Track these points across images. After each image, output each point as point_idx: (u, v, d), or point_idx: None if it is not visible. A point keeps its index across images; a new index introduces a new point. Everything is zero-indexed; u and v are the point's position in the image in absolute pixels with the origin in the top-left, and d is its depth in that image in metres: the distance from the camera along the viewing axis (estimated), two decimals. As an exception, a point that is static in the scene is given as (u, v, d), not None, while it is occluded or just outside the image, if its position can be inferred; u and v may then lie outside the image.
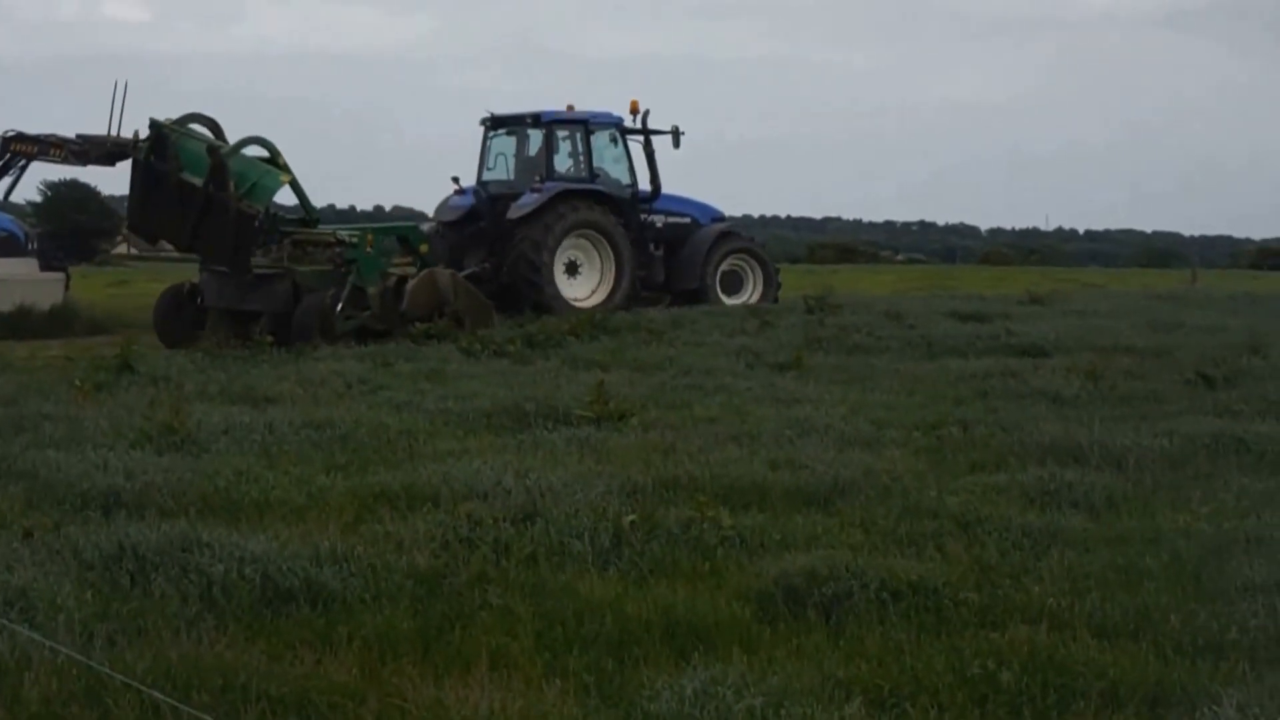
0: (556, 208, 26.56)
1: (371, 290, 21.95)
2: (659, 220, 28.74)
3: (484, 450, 11.56)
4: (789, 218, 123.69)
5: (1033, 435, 12.25)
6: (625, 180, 28.43)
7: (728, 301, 28.04)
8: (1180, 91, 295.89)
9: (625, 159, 28.58)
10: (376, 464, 11.13)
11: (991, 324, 22.84)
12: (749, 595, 7.68)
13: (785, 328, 22.12)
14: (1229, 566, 8.22)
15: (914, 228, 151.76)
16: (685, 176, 78.88)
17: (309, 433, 12.25)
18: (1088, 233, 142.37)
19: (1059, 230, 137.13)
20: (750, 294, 29.08)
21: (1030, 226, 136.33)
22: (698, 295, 28.07)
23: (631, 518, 8.82)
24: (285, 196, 23.30)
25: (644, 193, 28.56)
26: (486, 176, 28.55)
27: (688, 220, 29.20)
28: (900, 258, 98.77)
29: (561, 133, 28.05)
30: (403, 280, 22.43)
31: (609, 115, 28.50)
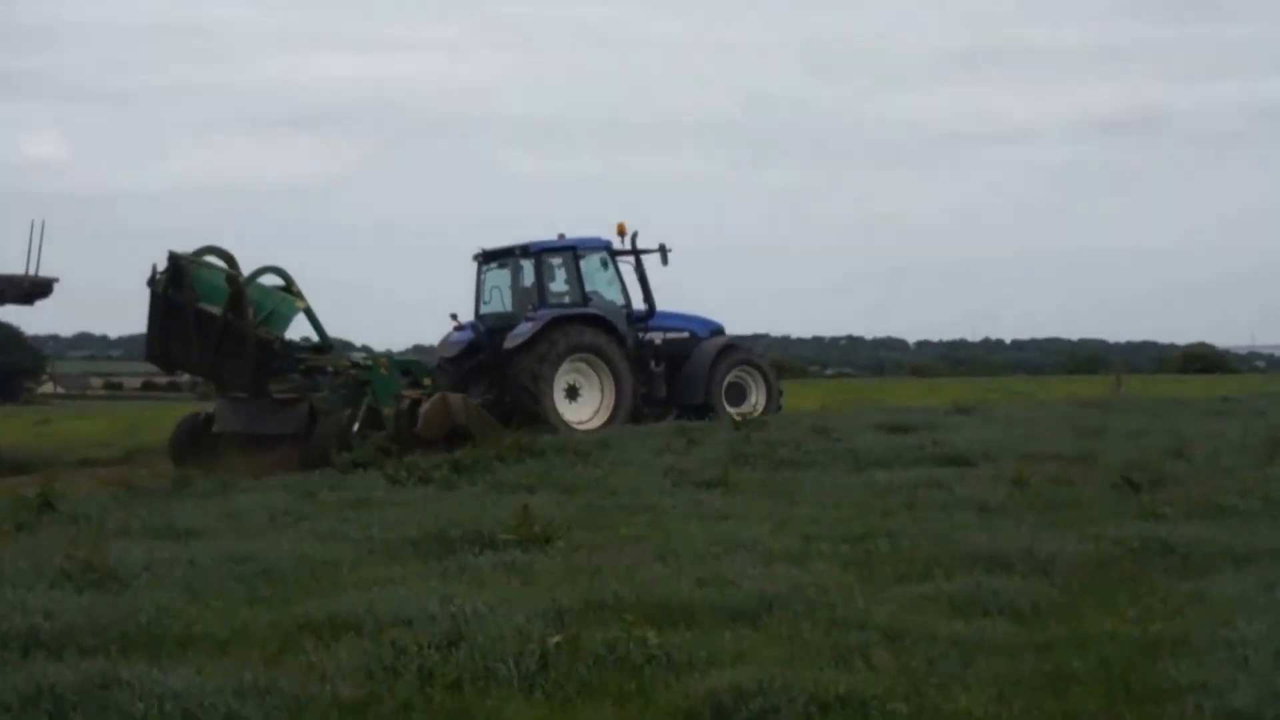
0: (550, 334, 27.08)
1: (386, 411, 22.63)
2: (658, 337, 29.24)
3: (409, 577, 11.46)
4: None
5: (959, 544, 12.28)
6: (619, 301, 28.89)
7: (734, 412, 28.21)
8: (1105, 202, 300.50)
9: (617, 280, 29.10)
10: (300, 595, 11.01)
11: (918, 434, 22.90)
12: (677, 714, 7.63)
13: (712, 445, 22.12)
14: (1156, 668, 8.26)
15: (842, 342, 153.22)
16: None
17: (232, 566, 12.12)
18: (1014, 342, 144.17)
19: (986, 340, 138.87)
20: (755, 403, 29.54)
21: (958, 338, 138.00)
22: (704, 409, 28.47)
23: (556, 639, 8.76)
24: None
25: (639, 312, 29.02)
26: (484, 310, 29.08)
27: (686, 335, 29.73)
28: (829, 372, 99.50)
29: (553, 260, 28.57)
30: (416, 403, 23.03)
31: (597, 240, 29.07)
